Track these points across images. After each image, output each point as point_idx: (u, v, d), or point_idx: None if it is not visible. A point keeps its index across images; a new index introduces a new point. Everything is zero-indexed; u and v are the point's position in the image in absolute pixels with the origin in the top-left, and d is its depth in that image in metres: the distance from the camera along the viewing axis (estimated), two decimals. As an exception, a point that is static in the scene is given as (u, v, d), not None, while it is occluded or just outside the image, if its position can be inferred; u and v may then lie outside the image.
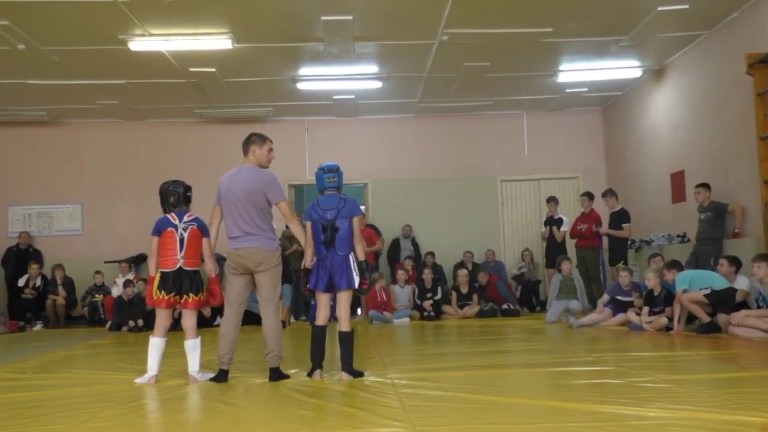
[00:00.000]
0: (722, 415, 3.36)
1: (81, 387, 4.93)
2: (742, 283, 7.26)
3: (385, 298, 10.53)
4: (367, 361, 5.84)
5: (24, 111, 11.77)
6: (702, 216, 8.66)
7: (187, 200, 5.23)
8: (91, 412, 3.96)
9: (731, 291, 7.19)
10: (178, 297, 5.02)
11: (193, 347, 5.07)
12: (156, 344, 5.01)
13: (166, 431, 3.71)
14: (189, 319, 5.16)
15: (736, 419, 3.29)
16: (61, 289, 11.43)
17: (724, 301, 7.17)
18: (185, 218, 5.11)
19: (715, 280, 7.38)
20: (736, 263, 7.45)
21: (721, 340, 6.65)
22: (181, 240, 5.04)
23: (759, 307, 6.89)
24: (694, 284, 7.37)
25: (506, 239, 13.00)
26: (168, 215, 5.13)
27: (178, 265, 5.01)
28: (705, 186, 8.74)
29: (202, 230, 5.15)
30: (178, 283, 5.01)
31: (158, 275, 5.04)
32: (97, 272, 11.60)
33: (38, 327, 11.13)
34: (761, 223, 7.95)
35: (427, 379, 4.78)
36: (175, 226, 5.06)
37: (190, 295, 5.03)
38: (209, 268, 5.19)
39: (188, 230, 5.07)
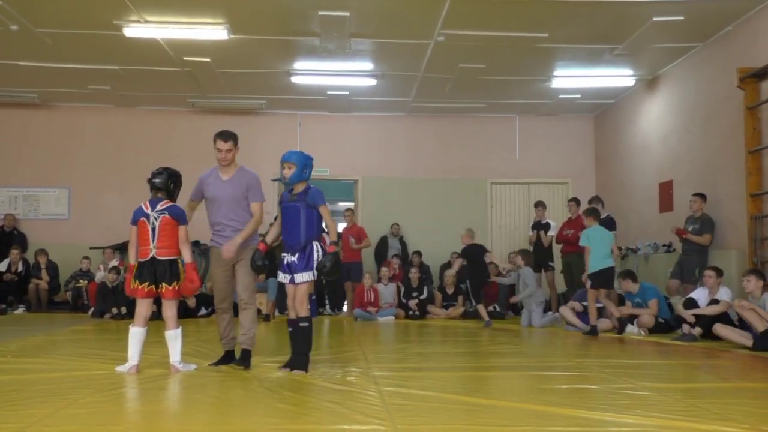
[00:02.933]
0: (700, 425, 3.39)
1: (61, 372, 4.89)
2: (723, 294, 7.33)
3: (372, 298, 10.53)
4: (351, 358, 5.85)
5: (15, 92, 11.66)
6: (690, 228, 8.72)
7: (167, 188, 5.11)
8: (71, 398, 3.93)
9: (611, 270, 8.12)
10: (153, 287, 4.99)
11: (173, 338, 5.03)
12: (135, 334, 4.96)
13: (145, 420, 3.69)
14: (168, 309, 5.10)
15: (714, 429, 3.32)
16: (44, 274, 11.35)
17: (607, 278, 8.14)
18: (158, 207, 5.04)
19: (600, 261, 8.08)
20: (721, 274, 7.51)
21: (702, 350, 6.70)
22: (153, 229, 4.99)
23: (740, 320, 6.94)
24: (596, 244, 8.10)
25: (494, 242, 13.04)
26: (142, 204, 5.10)
27: (150, 255, 4.98)
28: (701, 196, 8.79)
29: (177, 218, 5.03)
30: (152, 272, 4.98)
31: (136, 265, 5.03)
32: (85, 257, 11.52)
33: (20, 311, 11.04)
34: (746, 236, 8.03)
35: (410, 378, 4.79)
36: (147, 216, 5.01)
37: (163, 284, 4.98)
38: (184, 256, 5.06)
39: (159, 219, 5.01)
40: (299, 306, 5.00)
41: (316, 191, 5.06)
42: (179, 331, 5.06)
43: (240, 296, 5.23)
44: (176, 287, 5.03)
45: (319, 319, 10.14)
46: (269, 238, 5.30)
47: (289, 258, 5.03)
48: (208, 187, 5.30)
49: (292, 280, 5.00)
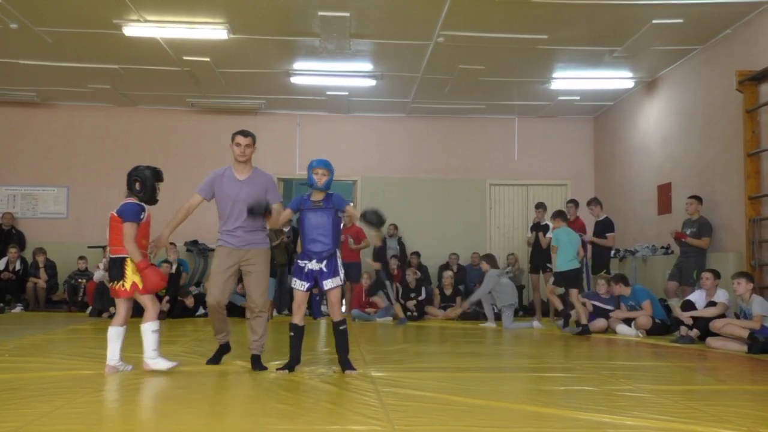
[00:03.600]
0: (698, 427, 3.39)
1: (58, 371, 4.89)
2: (721, 296, 7.35)
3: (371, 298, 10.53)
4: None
5: (14, 91, 11.66)
6: (687, 231, 8.72)
7: (129, 187, 5.07)
8: (68, 398, 3.93)
9: (577, 271, 8.46)
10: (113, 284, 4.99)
11: (141, 332, 4.98)
12: (111, 333, 4.94)
13: (142, 420, 3.69)
14: (119, 306, 5.04)
15: (712, 431, 3.33)
16: (42, 273, 11.34)
17: (571, 279, 8.41)
18: (120, 205, 5.05)
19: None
20: (719, 277, 7.53)
21: (699, 352, 6.71)
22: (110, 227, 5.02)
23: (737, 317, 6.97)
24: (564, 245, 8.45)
25: (492, 243, 13.04)
26: None
27: (107, 253, 5.03)
28: (697, 198, 8.80)
29: (122, 215, 4.94)
30: (109, 270, 5.02)
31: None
32: (81, 257, 11.51)
33: (18, 309, 11.03)
34: (744, 239, 8.04)
35: (408, 378, 4.78)
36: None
37: (112, 283, 4.98)
38: (130, 255, 4.91)
39: (109, 217, 5.02)
40: (335, 311, 5.14)
41: (338, 196, 5.14)
42: (144, 326, 4.95)
43: (255, 302, 5.22)
44: (116, 286, 4.92)
45: (318, 321, 10.13)
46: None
47: (313, 265, 5.00)
48: (222, 186, 5.22)
49: (309, 288, 5.04)
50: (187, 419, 3.58)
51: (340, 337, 5.09)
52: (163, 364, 4.94)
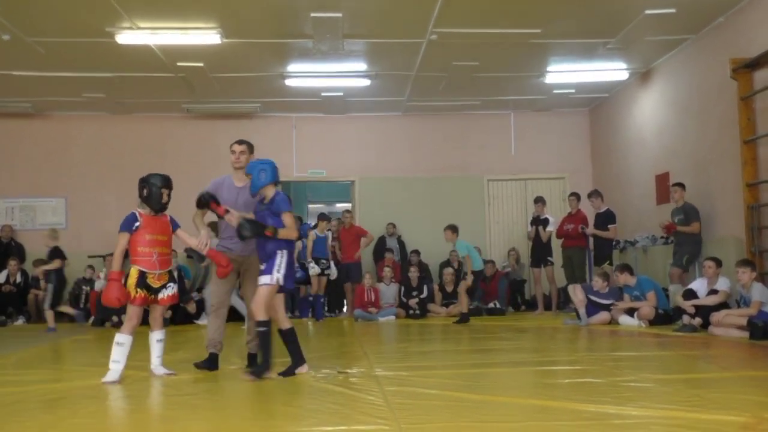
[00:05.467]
0: (703, 415, 3.39)
1: (62, 383, 4.89)
2: (722, 284, 7.35)
3: (372, 298, 10.54)
4: (353, 359, 5.85)
5: (8, 102, 11.63)
6: (675, 219, 8.75)
7: (139, 193, 5.02)
8: (73, 408, 3.92)
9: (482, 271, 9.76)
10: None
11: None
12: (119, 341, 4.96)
13: (150, 427, 3.68)
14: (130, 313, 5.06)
15: (717, 419, 3.32)
16: (43, 284, 11.30)
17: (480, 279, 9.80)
18: None
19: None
20: (720, 265, 7.54)
21: (702, 340, 6.72)
22: None
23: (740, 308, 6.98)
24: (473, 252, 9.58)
25: (492, 238, 13.05)
26: None
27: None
28: (680, 185, 8.85)
29: (121, 226, 4.96)
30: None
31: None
32: (89, 266, 11.51)
33: (20, 322, 11.01)
34: (743, 226, 8.05)
35: (413, 376, 4.78)
36: None
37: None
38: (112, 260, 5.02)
39: None
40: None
41: (281, 198, 4.93)
42: (152, 335, 5.03)
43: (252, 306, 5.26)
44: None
45: (321, 321, 10.14)
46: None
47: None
48: (221, 193, 5.28)
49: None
50: (194, 425, 3.58)
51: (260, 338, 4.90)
52: (164, 370, 5.02)
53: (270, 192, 4.94)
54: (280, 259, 4.82)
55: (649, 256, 10.33)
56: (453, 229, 9.63)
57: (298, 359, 4.99)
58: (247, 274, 5.33)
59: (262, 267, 4.87)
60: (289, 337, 4.99)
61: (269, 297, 4.83)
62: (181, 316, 10.05)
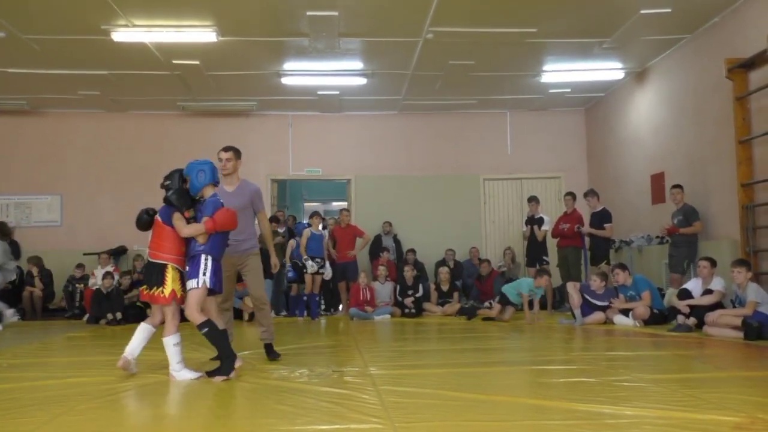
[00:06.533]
0: (697, 414, 3.41)
1: (57, 380, 4.87)
2: (717, 284, 7.37)
3: (368, 297, 10.53)
4: (348, 358, 5.84)
5: (3, 99, 11.60)
6: (674, 220, 8.76)
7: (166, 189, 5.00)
8: (67, 406, 3.91)
9: None
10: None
11: (164, 346, 4.92)
12: (140, 328, 5.01)
13: (143, 426, 3.68)
14: (156, 311, 5.06)
15: (711, 418, 3.34)
16: (37, 281, 11.29)
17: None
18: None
19: None
20: (715, 265, 7.55)
21: (697, 340, 6.74)
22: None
23: (735, 308, 6.99)
24: None
25: (488, 238, 13.06)
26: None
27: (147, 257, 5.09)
28: (679, 187, 8.87)
29: (160, 216, 4.91)
30: (146, 275, 5.01)
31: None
32: (79, 265, 11.48)
33: (15, 318, 10.96)
34: (738, 226, 8.07)
35: (407, 375, 4.79)
36: None
37: (150, 289, 4.90)
38: (194, 232, 4.91)
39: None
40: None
41: (210, 202, 4.87)
42: (166, 339, 4.89)
43: (255, 296, 5.71)
44: (161, 293, 4.84)
45: (316, 320, 10.14)
46: None
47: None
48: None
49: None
50: (188, 423, 3.58)
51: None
52: (187, 375, 4.86)
53: (207, 193, 4.95)
54: (205, 262, 4.81)
55: (644, 256, 10.35)
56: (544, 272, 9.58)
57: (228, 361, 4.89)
58: (247, 269, 5.66)
59: (188, 270, 4.86)
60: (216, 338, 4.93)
61: (199, 301, 4.83)
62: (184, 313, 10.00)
